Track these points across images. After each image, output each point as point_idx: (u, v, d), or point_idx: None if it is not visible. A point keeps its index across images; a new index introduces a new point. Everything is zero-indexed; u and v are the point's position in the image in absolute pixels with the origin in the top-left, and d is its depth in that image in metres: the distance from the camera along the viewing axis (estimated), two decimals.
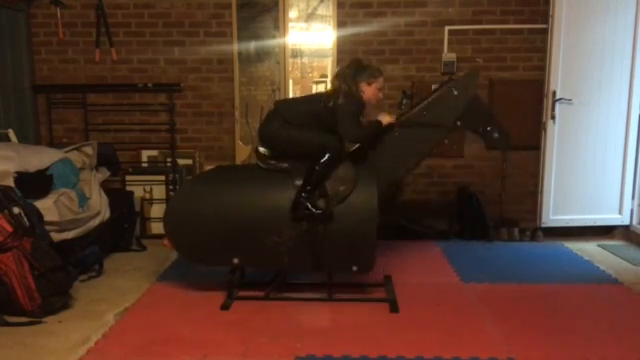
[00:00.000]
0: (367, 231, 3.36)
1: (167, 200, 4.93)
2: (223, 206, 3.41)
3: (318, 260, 3.43)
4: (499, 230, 4.91)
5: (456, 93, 3.66)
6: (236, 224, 3.39)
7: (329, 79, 5.13)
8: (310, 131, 3.45)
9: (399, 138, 3.65)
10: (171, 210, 3.52)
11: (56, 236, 3.66)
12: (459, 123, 3.73)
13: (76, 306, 3.41)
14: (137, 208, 4.85)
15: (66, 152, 4.16)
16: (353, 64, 3.55)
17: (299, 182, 3.38)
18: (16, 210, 3.25)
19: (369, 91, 3.51)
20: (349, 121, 3.43)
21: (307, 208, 3.32)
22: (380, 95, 3.61)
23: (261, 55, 5.02)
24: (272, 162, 3.49)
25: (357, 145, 3.72)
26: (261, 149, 3.54)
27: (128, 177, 4.99)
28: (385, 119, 3.56)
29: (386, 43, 4.93)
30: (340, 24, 4.91)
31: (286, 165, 3.46)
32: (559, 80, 4.71)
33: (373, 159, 3.61)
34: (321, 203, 3.36)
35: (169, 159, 5.04)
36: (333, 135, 3.46)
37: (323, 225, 3.35)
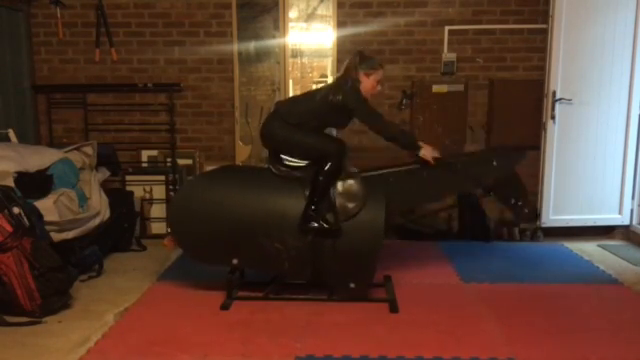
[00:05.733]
0: (370, 251, 3.36)
1: (167, 200, 4.93)
2: (228, 206, 3.40)
3: (317, 272, 3.43)
4: (499, 230, 4.90)
5: (495, 164, 3.73)
6: (239, 225, 3.38)
7: (329, 79, 5.13)
8: (310, 134, 3.44)
9: (424, 177, 3.65)
10: (176, 204, 3.53)
11: (56, 236, 3.66)
12: (492, 194, 3.85)
13: (76, 306, 3.41)
14: (137, 208, 4.84)
15: (66, 152, 4.16)
16: (356, 55, 3.53)
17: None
18: (16, 210, 3.25)
19: (367, 82, 3.48)
20: (372, 114, 3.44)
21: (317, 221, 3.32)
22: (378, 88, 3.58)
23: (261, 55, 5.01)
24: (285, 169, 3.47)
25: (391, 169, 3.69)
26: (282, 156, 3.49)
27: (128, 177, 4.99)
28: (427, 153, 3.51)
29: (386, 43, 4.93)
30: (340, 24, 4.91)
31: (299, 174, 3.44)
32: (559, 80, 4.70)
33: (387, 186, 3.58)
34: (330, 217, 3.36)
35: (169, 159, 5.04)
36: (333, 140, 3.46)
37: (327, 239, 3.35)
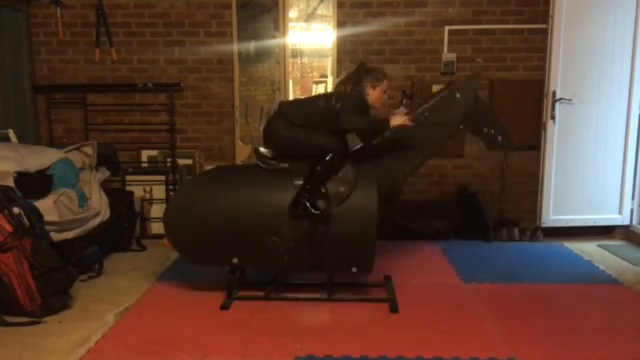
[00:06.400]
0: (367, 232, 3.36)
1: (167, 200, 4.93)
2: (223, 206, 3.41)
3: (318, 261, 3.43)
4: (499, 230, 4.91)
5: (459, 96, 3.66)
6: (235, 224, 3.38)
7: (329, 79, 5.13)
8: (314, 133, 3.44)
9: (400, 139, 3.64)
10: (171, 210, 3.52)
11: (56, 236, 3.66)
12: (462, 126, 3.75)
13: (76, 306, 3.41)
14: (137, 208, 4.85)
15: (66, 152, 4.16)
16: (358, 68, 3.57)
17: (299, 182, 3.38)
18: (16, 210, 3.25)
19: (374, 94, 3.53)
20: (347, 112, 3.42)
21: (306, 207, 3.32)
22: (385, 97, 3.63)
23: (261, 55, 5.01)
24: (272, 162, 3.49)
25: (359, 146, 3.71)
26: (262, 149, 3.53)
27: (128, 177, 4.99)
28: (397, 120, 3.51)
29: (386, 43, 4.93)
30: (340, 24, 4.91)
31: (286, 165, 3.46)
32: (559, 80, 4.71)
33: (373, 160, 3.60)
34: (321, 203, 3.36)
35: (169, 159, 5.04)
36: (337, 137, 3.46)
37: (322, 226, 3.35)
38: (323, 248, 3.39)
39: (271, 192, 3.42)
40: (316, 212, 3.32)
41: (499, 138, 3.76)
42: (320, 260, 3.42)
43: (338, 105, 3.43)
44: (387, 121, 3.52)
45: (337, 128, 3.48)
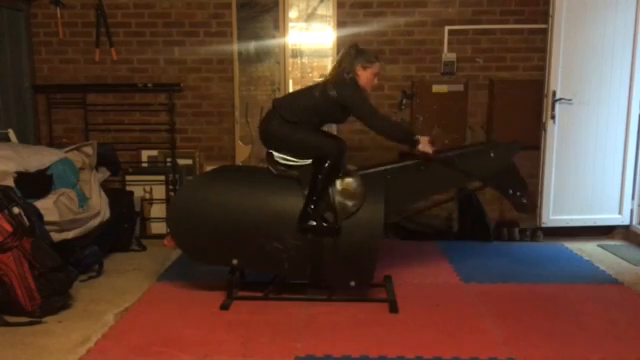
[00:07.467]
0: (370, 248, 3.36)
1: (167, 200, 4.94)
2: (227, 206, 3.40)
3: (317, 271, 3.42)
4: (499, 230, 4.90)
5: (492, 155, 3.74)
6: (238, 226, 3.38)
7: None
8: (310, 133, 3.43)
9: (421, 173, 3.63)
10: (175, 205, 3.53)
11: (56, 236, 3.66)
12: (489, 185, 3.90)
13: (76, 306, 3.41)
14: (137, 208, 4.85)
15: (66, 152, 4.16)
16: (351, 48, 3.51)
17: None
18: (16, 210, 3.25)
19: (364, 76, 3.46)
20: (369, 111, 3.42)
21: (315, 220, 3.31)
22: (375, 81, 3.57)
23: (261, 55, 5.01)
24: (283, 168, 3.46)
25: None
26: (276, 154, 3.48)
27: (128, 177, 4.99)
28: (425, 146, 3.49)
29: (386, 43, 4.93)
30: (340, 24, 4.91)
31: (297, 173, 3.43)
32: (559, 80, 4.70)
33: (386, 183, 3.56)
34: (329, 216, 3.35)
35: (169, 159, 5.04)
36: (332, 138, 3.45)
37: (328, 239, 3.34)
38: (324, 260, 3.38)
39: (278, 198, 3.40)
40: (325, 225, 3.31)
41: (524, 200, 3.88)
42: (320, 271, 3.42)
43: (334, 93, 3.37)
44: (415, 138, 3.50)
45: (335, 119, 3.45)
